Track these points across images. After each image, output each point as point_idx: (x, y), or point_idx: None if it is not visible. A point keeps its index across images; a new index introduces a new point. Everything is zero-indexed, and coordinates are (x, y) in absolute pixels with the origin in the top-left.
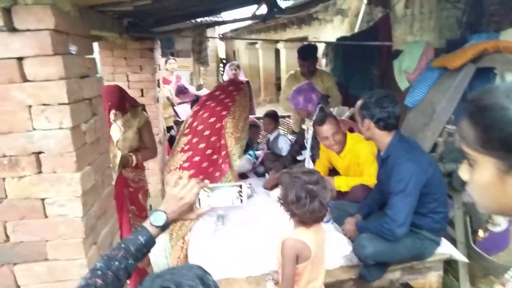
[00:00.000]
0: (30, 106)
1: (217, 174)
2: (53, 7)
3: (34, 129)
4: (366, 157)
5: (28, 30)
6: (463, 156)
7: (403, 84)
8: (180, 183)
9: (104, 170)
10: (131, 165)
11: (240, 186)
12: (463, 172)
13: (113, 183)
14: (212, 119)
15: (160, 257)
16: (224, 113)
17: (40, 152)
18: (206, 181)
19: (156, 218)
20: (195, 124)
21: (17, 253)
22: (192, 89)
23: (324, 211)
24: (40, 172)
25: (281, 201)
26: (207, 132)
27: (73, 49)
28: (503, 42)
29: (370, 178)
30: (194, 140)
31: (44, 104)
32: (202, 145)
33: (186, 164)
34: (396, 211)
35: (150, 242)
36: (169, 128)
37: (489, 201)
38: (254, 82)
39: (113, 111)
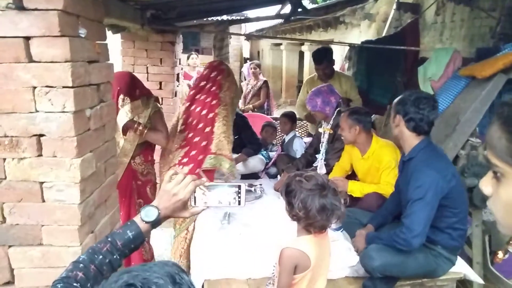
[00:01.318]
0: (34, 87)
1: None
2: None
3: (37, 110)
4: (387, 163)
5: (37, 9)
6: (487, 169)
7: (427, 91)
8: (175, 178)
9: (108, 158)
10: (135, 132)
11: (239, 187)
12: (485, 185)
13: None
14: (204, 111)
15: (166, 251)
16: (214, 102)
17: (41, 135)
18: (203, 179)
19: (147, 214)
20: (190, 119)
21: (13, 235)
22: None
23: (334, 216)
24: (40, 155)
25: (300, 215)
26: (200, 125)
27: (82, 32)
28: None
29: (386, 186)
30: (190, 135)
31: (48, 86)
32: (197, 139)
33: (185, 160)
34: (414, 220)
35: (139, 238)
36: None
37: None
38: (276, 83)
39: (121, 96)
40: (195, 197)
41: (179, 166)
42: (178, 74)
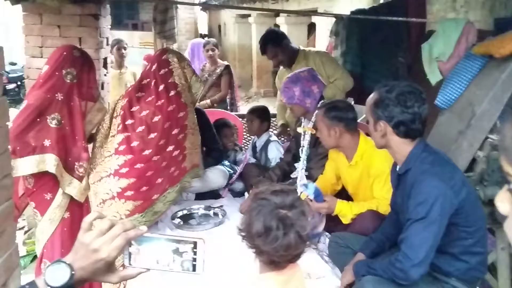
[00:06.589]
0: None
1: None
2: None
3: None
4: (380, 169)
5: None
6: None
7: (434, 76)
8: (97, 226)
9: None
10: None
11: (195, 244)
12: (502, 201)
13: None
14: (156, 118)
15: None
16: (182, 114)
17: None
18: (143, 227)
19: (55, 274)
20: (129, 122)
21: None
22: None
23: (303, 246)
24: None
25: (243, 233)
26: (152, 135)
27: None
28: None
29: (382, 201)
30: (134, 143)
31: None
32: (147, 152)
33: (124, 170)
34: (413, 245)
35: None
36: None
37: None
38: (245, 68)
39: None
40: (129, 254)
41: (115, 177)
42: (105, 59)
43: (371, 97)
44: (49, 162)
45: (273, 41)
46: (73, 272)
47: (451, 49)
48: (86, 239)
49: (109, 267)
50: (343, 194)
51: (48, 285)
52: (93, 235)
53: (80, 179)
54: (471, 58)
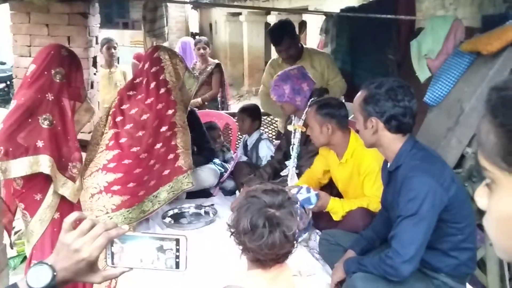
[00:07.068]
0: None
1: (166, 172)
2: None
3: None
4: (370, 166)
5: None
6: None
7: (423, 73)
8: (78, 227)
9: None
10: None
11: (177, 241)
12: (481, 196)
13: None
14: (145, 116)
15: None
16: (170, 112)
17: None
18: (125, 226)
19: (37, 276)
20: (119, 119)
21: None
22: None
23: (288, 246)
24: None
25: (231, 230)
26: (140, 133)
27: None
28: None
29: (373, 198)
30: (123, 140)
31: None
32: (135, 149)
33: (112, 165)
34: (403, 242)
35: None
36: None
37: (509, 241)
38: (236, 67)
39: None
40: (112, 254)
41: (103, 172)
42: (94, 58)
43: (360, 95)
44: (43, 163)
45: (290, 33)
46: (55, 273)
47: (439, 46)
48: (67, 239)
49: (91, 267)
50: (333, 191)
51: (30, 287)
52: (74, 235)
53: (73, 179)
54: (459, 55)
